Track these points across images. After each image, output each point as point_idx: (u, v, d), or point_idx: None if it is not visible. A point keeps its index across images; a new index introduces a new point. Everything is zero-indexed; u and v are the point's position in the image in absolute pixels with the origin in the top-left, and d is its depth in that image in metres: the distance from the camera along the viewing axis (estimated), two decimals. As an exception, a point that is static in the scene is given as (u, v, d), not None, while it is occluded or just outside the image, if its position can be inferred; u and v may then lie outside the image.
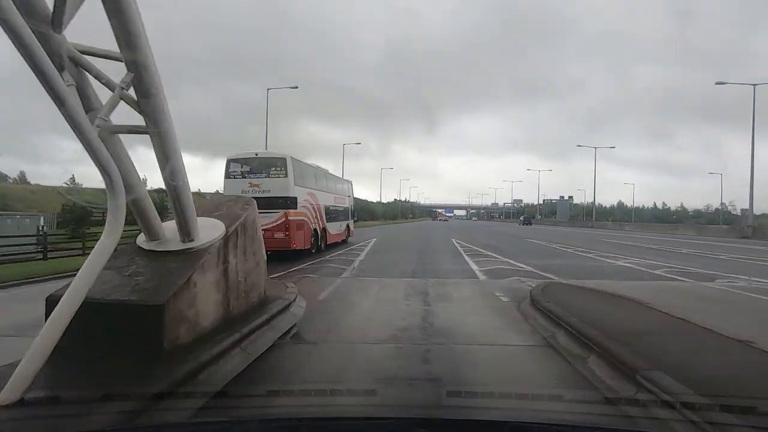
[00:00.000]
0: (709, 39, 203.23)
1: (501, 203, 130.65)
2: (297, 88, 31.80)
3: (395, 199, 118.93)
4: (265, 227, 9.67)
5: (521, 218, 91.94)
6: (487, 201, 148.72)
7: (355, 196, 25.91)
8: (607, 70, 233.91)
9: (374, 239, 26.21)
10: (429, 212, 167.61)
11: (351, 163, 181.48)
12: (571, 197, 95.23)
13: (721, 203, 77.03)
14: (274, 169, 14.61)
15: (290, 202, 14.47)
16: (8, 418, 1.64)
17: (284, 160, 14.69)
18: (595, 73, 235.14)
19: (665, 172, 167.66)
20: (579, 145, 58.83)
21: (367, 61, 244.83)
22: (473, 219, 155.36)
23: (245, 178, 14.56)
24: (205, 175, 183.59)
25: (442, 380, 3.33)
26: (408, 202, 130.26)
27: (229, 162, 14.82)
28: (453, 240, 24.73)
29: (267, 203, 13.08)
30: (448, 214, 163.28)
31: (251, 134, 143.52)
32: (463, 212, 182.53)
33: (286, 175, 14.51)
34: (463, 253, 16.95)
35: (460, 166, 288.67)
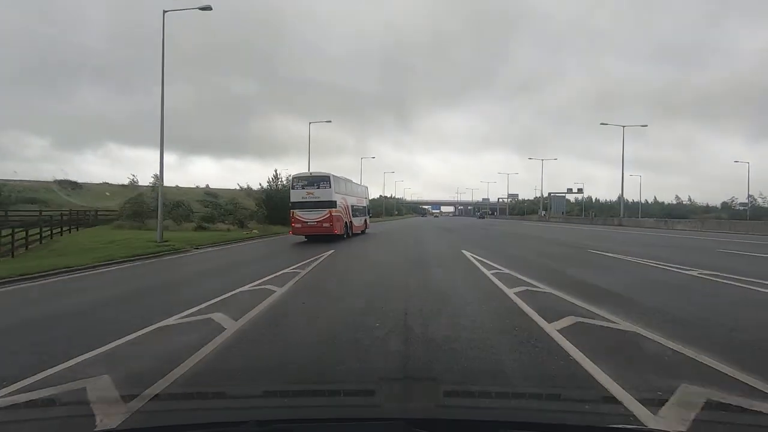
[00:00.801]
0: (681, 34, 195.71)
1: (493, 198, 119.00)
2: (210, 9, 19.75)
3: (380, 195, 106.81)
4: (316, 220, 20.57)
5: (478, 213, 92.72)
6: (478, 196, 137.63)
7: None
8: (585, 64, 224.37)
9: (330, 251, 14.44)
10: (415, 209, 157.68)
11: (330, 160, 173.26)
12: (580, 189, 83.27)
13: (749, 196, 66.73)
14: (321, 182, 21.51)
15: (332, 204, 21.22)
16: (8, 419, 1.53)
17: (328, 177, 21.83)
18: (575, 67, 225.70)
19: (643, 168, 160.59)
20: (603, 123, 47.08)
21: (342, 58, 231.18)
22: (450, 215, 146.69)
23: (304, 189, 21.43)
24: (183, 170, 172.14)
25: (439, 380, 3.16)
26: (393, 198, 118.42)
27: (292, 179, 22.35)
28: (468, 255, 13.08)
29: (318, 205, 20.97)
30: (434, 211, 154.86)
31: (225, 131, 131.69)
32: (451, 209, 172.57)
33: (329, 187, 21.39)
34: (542, 322, 5.11)
35: (446, 163, 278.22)
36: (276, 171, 39.47)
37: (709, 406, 1.74)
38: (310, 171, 23.26)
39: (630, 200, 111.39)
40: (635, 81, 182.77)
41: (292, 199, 21.50)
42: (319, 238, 20.67)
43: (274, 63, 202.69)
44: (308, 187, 21.29)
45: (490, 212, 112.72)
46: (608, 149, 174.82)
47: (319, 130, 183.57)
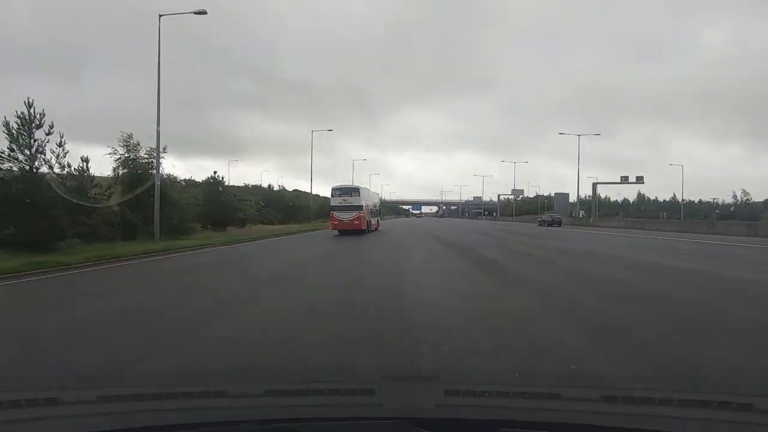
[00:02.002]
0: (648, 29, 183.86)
1: (486, 197, 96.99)
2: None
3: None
4: (349, 219, 27.47)
5: (438, 213, 75.99)
6: (465, 195, 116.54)
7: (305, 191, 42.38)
8: (555, 61, 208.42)
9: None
10: (394, 209, 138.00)
11: (299, 159, 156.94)
12: (639, 178, 60.32)
13: None
14: (353, 192, 29.08)
15: (360, 208, 28.15)
16: (7, 419, 1.43)
17: (358, 188, 30.18)
18: (553, 65, 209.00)
19: (609, 166, 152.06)
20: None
21: (307, 54, 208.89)
22: (432, 216, 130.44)
23: (340, 196, 28.61)
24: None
25: (440, 379, 3.16)
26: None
27: (333, 189, 29.78)
28: None
29: (350, 208, 28.01)
30: (415, 211, 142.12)
31: (188, 129, 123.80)
32: (432, 209, 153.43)
33: (359, 195, 28.88)
34: None
35: (423, 162, 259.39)
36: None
37: (711, 405, 1.67)
38: (346, 184, 31.81)
39: (650, 198, 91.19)
40: (615, 79, 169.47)
41: (332, 204, 29.22)
42: (349, 232, 27.16)
43: (235, 57, 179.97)
44: (343, 195, 28.58)
45: (485, 212, 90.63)
46: (587, 148, 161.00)
47: (288, 131, 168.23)
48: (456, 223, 53.15)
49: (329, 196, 31.40)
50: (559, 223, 47.10)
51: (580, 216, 54.85)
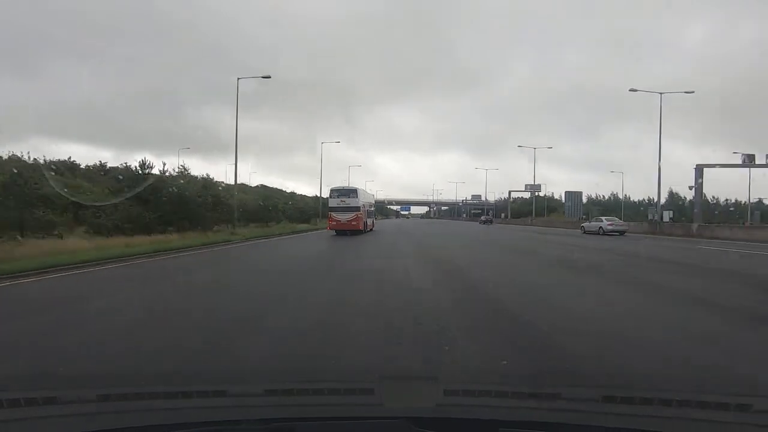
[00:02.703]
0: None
1: (494, 197, 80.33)
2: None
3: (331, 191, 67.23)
4: (347, 219, 28.49)
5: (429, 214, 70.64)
6: (459, 195, 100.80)
7: (290, 191, 42.49)
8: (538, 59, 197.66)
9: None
10: (381, 210, 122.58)
11: (283, 159, 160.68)
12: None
13: None
14: (351, 193, 29.90)
15: (358, 209, 29.21)
16: (7, 419, 1.43)
17: (356, 189, 30.70)
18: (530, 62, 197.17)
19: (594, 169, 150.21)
20: None
21: (289, 51, 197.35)
22: (420, 217, 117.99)
23: (339, 197, 29.50)
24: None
25: (439, 379, 3.03)
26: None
27: (331, 190, 30.93)
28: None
29: (348, 209, 28.95)
30: (404, 212, 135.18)
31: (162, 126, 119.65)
32: (421, 209, 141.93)
33: (356, 196, 29.69)
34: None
35: (409, 163, 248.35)
36: None
37: (711, 405, 1.62)
38: (344, 186, 32.58)
39: (681, 197, 74.68)
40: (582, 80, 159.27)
41: (330, 205, 30.01)
42: (346, 232, 28.13)
43: (214, 53, 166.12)
44: (342, 197, 29.40)
45: (488, 214, 73.93)
46: (568, 151, 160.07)
47: (268, 129, 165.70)
48: (464, 229, 39.25)
49: (272, 188, 31.73)
50: (491, 222, 60.88)
51: (666, 220, 34.53)
